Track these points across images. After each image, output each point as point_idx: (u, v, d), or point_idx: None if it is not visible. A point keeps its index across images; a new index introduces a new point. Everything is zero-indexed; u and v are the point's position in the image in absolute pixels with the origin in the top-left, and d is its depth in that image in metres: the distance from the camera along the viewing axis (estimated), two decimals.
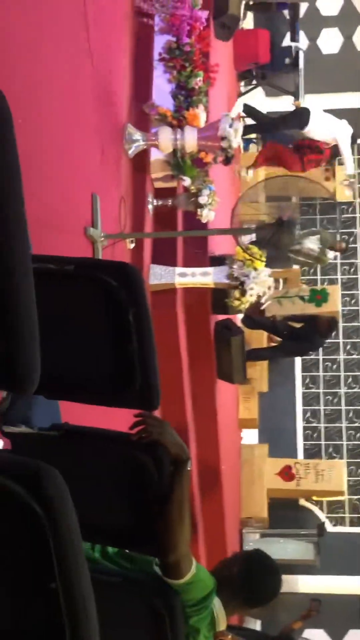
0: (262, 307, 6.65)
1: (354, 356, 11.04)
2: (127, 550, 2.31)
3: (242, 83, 11.27)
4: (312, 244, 8.46)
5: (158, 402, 1.97)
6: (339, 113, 11.71)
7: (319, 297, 10.20)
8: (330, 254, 9.27)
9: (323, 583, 9.91)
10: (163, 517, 1.99)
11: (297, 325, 9.42)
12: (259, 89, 11.63)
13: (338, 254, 10.35)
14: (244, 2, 8.38)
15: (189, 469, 2.04)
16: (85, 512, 2.09)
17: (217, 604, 2.33)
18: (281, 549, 9.25)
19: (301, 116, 9.32)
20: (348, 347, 11.08)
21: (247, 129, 9.99)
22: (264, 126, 10.28)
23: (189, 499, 2.03)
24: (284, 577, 8.38)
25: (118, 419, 2.26)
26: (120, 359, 1.87)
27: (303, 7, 11.85)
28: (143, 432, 1.99)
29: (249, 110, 10.05)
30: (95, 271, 1.82)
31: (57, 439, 2.01)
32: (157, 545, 2.03)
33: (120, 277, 1.80)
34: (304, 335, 9.32)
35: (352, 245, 11.58)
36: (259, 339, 10.05)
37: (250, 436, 10.41)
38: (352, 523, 10.38)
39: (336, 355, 11.07)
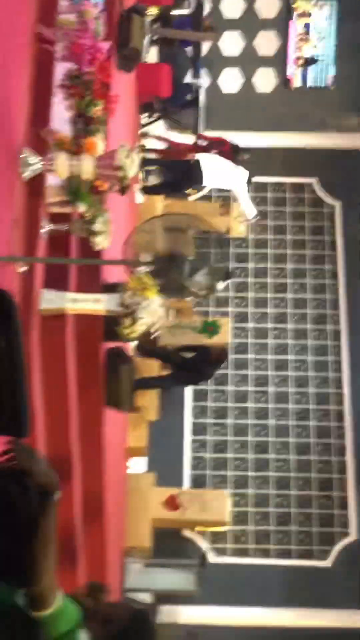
0: (153, 337, 6.69)
1: (242, 388, 11.24)
2: None
3: (144, 115, 11.41)
4: (201, 277, 8.63)
5: (27, 431, 1.95)
6: None
7: (210, 328, 10.40)
8: (220, 285, 9.48)
9: (203, 613, 9.96)
10: (27, 548, 1.97)
11: (189, 354, 9.53)
12: (160, 122, 11.82)
13: (228, 283, 10.63)
14: (147, 36, 8.51)
15: (56, 499, 2.02)
16: None
17: (83, 637, 2.31)
18: (163, 579, 9.28)
19: (196, 171, 9.66)
20: (237, 379, 11.27)
21: (152, 189, 10.32)
22: (168, 187, 10.56)
23: (55, 530, 2.02)
24: (166, 607, 8.37)
25: None
26: None
27: (206, 46, 12.17)
28: (11, 460, 1.97)
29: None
30: None
31: None
32: (21, 577, 2.00)
33: None
34: (194, 364, 9.43)
35: (244, 280, 11.86)
36: (151, 367, 10.09)
37: (139, 465, 10.41)
38: (234, 553, 10.50)
39: (225, 386, 11.25)
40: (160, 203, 10.81)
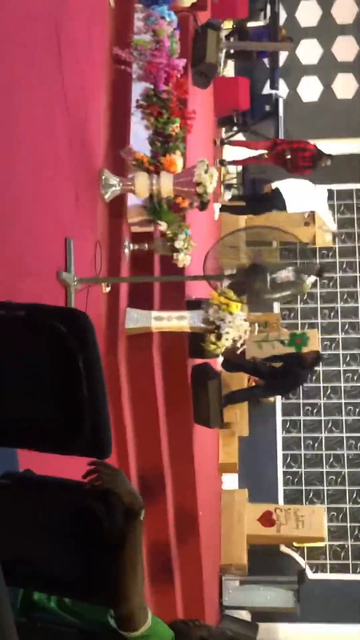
0: (239, 351, 6.63)
1: (334, 400, 11.03)
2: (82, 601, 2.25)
3: (223, 129, 11.43)
4: (286, 272, 8.58)
5: (110, 450, 1.94)
6: None
7: (298, 341, 10.25)
8: (309, 280, 9.42)
9: (304, 631, 9.77)
10: (115, 567, 1.95)
11: (278, 364, 9.39)
12: (240, 136, 11.79)
13: (317, 279, 10.50)
14: (224, 51, 8.54)
15: (142, 518, 2.00)
16: (39, 562, 2.06)
17: None
18: (261, 596, 9.15)
19: (277, 200, 9.64)
20: (328, 391, 11.07)
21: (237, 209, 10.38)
22: (249, 209, 10.54)
23: (141, 549, 2.00)
24: (264, 625, 8.27)
25: (76, 466, 2.23)
26: (70, 406, 1.85)
27: (283, 56, 12.09)
28: (95, 481, 1.96)
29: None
30: (45, 317, 1.81)
31: (8, 487, 1.98)
32: (110, 596, 1.99)
33: (70, 323, 1.79)
34: (286, 372, 9.26)
35: (332, 290, 11.66)
36: (239, 382, 10.02)
37: (230, 481, 10.33)
38: (333, 569, 10.27)
39: (317, 400, 11.06)
40: (241, 216, 10.75)
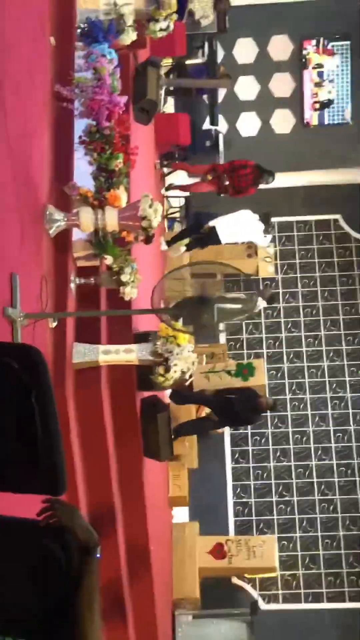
0: (187, 383, 6.66)
1: (282, 429, 11.12)
2: None
3: (165, 164, 11.55)
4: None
5: (64, 487, 1.93)
6: (259, 192, 12.16)
7: (245, 371, 10.33)
8: (260, 303, 9.61)
9: None
10: (72, 606, 1.93)
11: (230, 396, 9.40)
12: (182, 171, 11.93)
13: (264, 305, 10.65)
14: (164, 88, 8.67)
15: (98, 555, 1.99)
16: None
17: None
18: (215, 630, 9.08)
19: (213, 237, 9.98)
20: (275, 420, 11.15)
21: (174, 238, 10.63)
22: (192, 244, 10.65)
23: (98, 586, 1.98)
24: None
25: (25, 504, 2.21)
26: (24, 443, 1.84)
27: (222, 92, 12.33)
28: (51, 518, 1.95)
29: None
30: None
31: None
32: (67, 635, 1.97)
33: (22, 359, 1.78)
34: (236, 410, 9.28)
35: (276, 320, 11.82)
36: (187, 413, 10.03)
37: (181, 514, 10.28)
38: (285, 599, 10.26)
39: (264, 429, 11.13)
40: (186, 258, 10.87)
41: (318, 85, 12.78)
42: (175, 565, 9.18)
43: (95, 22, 6.51)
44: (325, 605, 10.32)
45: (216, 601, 9.61)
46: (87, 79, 6.04)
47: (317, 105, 12.82)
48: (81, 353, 5.70)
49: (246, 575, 10.10)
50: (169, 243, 10.56)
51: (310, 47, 12.73)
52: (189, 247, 10.59)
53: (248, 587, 10.25)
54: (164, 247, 10.48)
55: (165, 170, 11.60)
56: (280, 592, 10.30)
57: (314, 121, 12.88)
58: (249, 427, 11.07)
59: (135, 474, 6.68)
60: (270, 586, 10.29)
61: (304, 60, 12.73)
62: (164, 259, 10.41)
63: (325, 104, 12.80)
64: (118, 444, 6.38)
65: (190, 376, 6.08)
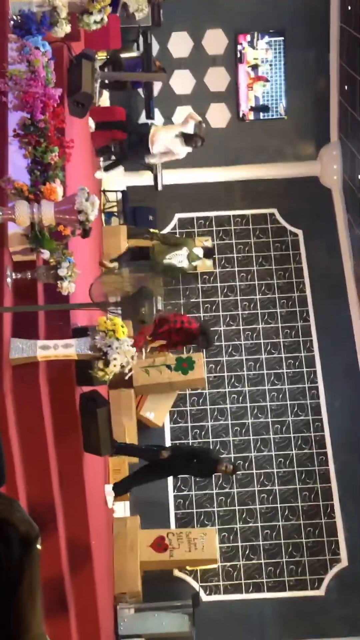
0: (127, 377, 6.64)
1: (221, 422, 11.21)
2: None
3: (102, 158, 11.50)
4: (178, 257, 9.03)
5: (4, 479, 1.91)
6: (197, 187, 12.23)
7: (184, 364, 10.40)
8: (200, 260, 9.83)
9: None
10: (13, 598, 1.91)
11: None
12: (119, 166, 11.90)
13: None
14: (99, 81, 8.60)
15: (39, 547, 1.98)
16: None
17: None
18: (156, 623, 9.12)
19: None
20: (215, 413, 11.23)
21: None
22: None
23: (39, 578, 1.97)
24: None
25: None
26: None
27: (157, 86, 12.33)
28: None
29: None
30: None
31: None
32: (9, 628, 1.95)
33: None
34: (194, 468, 9.32)
35: (215, 313, 11.90)
36: (128, 405, 10.04)
37: (122, 509, 10.28)
38: (227, 590, 10.36)
39: (204, 422, 11.20)
40: (124, 242, 10.86)
41: (253, 79, 12.89)
42: (116, 560, 9.19)
43: (29, 14, 6.44)
44: (266, 595, 10.46)
45: (158, 594, 9.66)
46: (21, 71, 5.97)
47: (253, 106, 12.93)
48: (19, 349, 5.64)
49: (187, 567, 10.17)
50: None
51: (244, 42, 12.83)
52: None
53: (189, 579, 10.32)
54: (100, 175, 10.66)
55: (102, 164, 11.56)
56: (221, 583, 10.40)
57: (250, 116, 12.99)
58: (188, 420, 11.15)
59: (76, 470, 6.65)
60: (212, 577, 10.38)
61: (239, 55, 12.83)
62: (101, 248, 10.38)
63: (261, 109, 12.93)
64: (58, 439, 6.34)
65: (130, 370, 6.05)
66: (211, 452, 9.68)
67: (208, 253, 10.43)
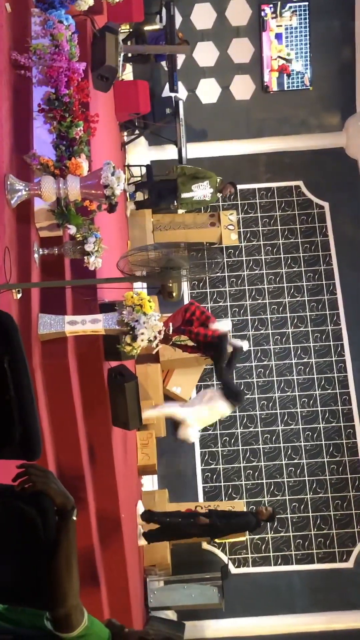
0: (154, 352, 6.66)
1: (248, 396, 11.21)
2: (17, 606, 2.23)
3: (125, 133, 11.46)
4: (202, 190, 9.01)
5: (39, 452, 1.93)
6: (221, 160, 12.14)
7: None
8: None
9: (229, 626, 9.89)
10: (50, 569, 1.94)
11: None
12: (142, 139, 11.85)
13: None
14: (122, 54, 8.54)
15: (74, 518, 2.00)
16: None
17: None
18: (186, 595, 9.20)
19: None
20: (242, 387, 11.23)
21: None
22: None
23: (75, 549, 1.99)
24: (190, 623, 8.30)
25: (3, 471, 2.20)
26: None
27: (180, 59, 12.21)
28: (26, 483, 1.95)
29: None
30: None
31: None
32: (45, 598, 1.98)
33: None
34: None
35: (240, 288, 11.85)
36: (155, 379, 10.06)
37: (150, 482, 10.35)
38: (255, 563, 10.43)
39: None
40: (149, 217, 10.85)
41: (277, 47, 12.72)
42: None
43: None
44: (294, 567, 10.52)
45: (187, 566, 9.74)
46: (45, 45, 5.93)
47: (279, 64, 12.73)
48: (47, 324, 5.66)
49: (216, 540, 10.23)
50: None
51: (268, 10, 12.66)
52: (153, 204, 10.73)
53: (218, 552, 10.39)
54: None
55: (126, 138, 11.52)
56: (249, 555, 10.47)
57: (274, 85, 12.83)
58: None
59: (105, 443, 6.70)
60: (240, 550, 10.45)
61: (262, 23, 12.66)
62: (127, 226, 10.37)
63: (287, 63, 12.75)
64: (86, 414, 6.38)
65: (157, 345, 6.06)
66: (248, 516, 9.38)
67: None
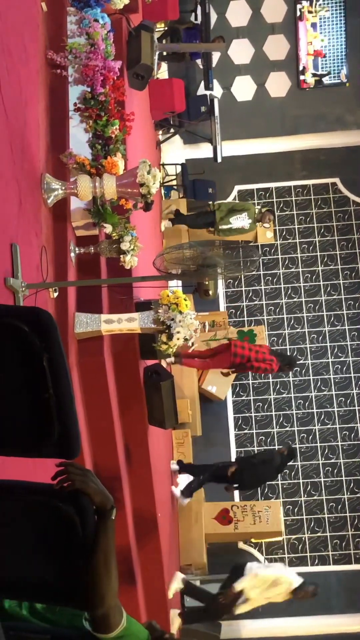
0: (191, 350, 6.63)
1: (284, 395, 11.14)
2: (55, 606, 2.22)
3: (160, 131, 11.45)
4: (241, 221, 8.96)
5: (79, 450, 1.92)
6: (256, 158, 12.07)
7: (246, 338, 10.34)
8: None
9: (265, 626, 9.83)
10: (89, 568, 1.93)
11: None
12: (177, 138, 11.83)
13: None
14: (157, 53, 8.53)
15: (113, 517, 1.98)
16: (10, 567, 2.02)
17: None
18: None
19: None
20: (278, 386, 11.17)
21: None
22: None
23: (114, 548, 1.98)
24: (227, 623, 8.26)
25: (43, 469, 2.20)
26: (37, 407, 1.82)
27: (216, 57, 12.17)
28: (65, 482, 1.93)
29: None
30: (6, 317, 1.77)
31: None
32: (84, 598, 1.97)
33: (32, 322, 1.76)
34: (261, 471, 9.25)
35: (276, 286, 11.78)
36: (191, 379, 10.05)
37: (186, 482, 10.32)
38: (292, 562, 10.36)
39: (267, 395, 11.15)
40: (185, 235, 10.85)
41: (312, 35, 12.62)
42: (182, 532, 9.26)
43: None
44: (331, 568, 10.42)
45: (223, 566, 9.69)
46: (81, 44, 5.94)
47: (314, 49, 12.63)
48: (83, 323, 5.67)
49: (252, 539, 10.19)
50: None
51: (305, 3, 12.57)
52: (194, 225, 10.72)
53: (254, 552, 10.34)
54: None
55: (160, 137, 11.51)
56: (286, 555, 10.40)
57: (310, 82, 12.72)
58: (251, 394, 11.11)
59: (141, 442, 6.70)
60: (277, 550, 10.39)
61: (299, 13, 12.57)
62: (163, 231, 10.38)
63: (323, 75, 12.67)
64: (123, 412, 6.39)
65: (193, 344, 6.04)
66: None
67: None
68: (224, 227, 10.57)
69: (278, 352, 9.31)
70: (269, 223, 11.04)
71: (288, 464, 9.47)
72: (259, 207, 11.13)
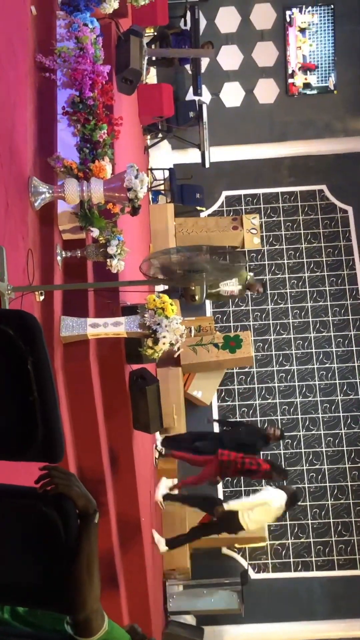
0: (175, 355, 6.64)
1: (269, 401, 11.16)
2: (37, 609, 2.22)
3: (148, 136, 11.46)
4: (230, 286, 8.91)
5: (62, 453, 1.92)
6: (244, 164, 12.11)
7: (232, 343, 10.36)
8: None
9: (248, 631, 9.83)
10: (71, 572, 1.93)
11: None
12: (165, 142, 11.85)
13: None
14: (146, 58, 8.55)
15: (96, 521, 1.98)
16: None
17: None
18: (205, 599, 9.17)
19: None
20: (263, 392, 11.19)
21: None
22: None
23: (97, 552, 1.98)
24: (209, 628, 8.24)
25: (27, 472, 2.19)
26: (21, 411, 1.82)
27: (205, 62, 12.21)
28: (48, 485, 1.93)
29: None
30: None
31: None
32: (66, 602, 1.96)
33: (17, 325, 1.76)
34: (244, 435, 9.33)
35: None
36: (176, 380, 10.04)
37: (166, 484, 10.30)
38: (275, 569, 10.37)
39: (252, 401, 11.17)
40: (171, 221, 10.83)
41: (301, 41, 12.67)
42: (165, 537, 9.23)
43: None
44: (315, 574, 10.43)
45: (207, 571, 9.70)
46: (70, 48, 5.96)
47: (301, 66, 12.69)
48: (69, 326, 5.67)
49: (236, 545, 10.19)
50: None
51: (295, 10, 12.63)
52: None
53: (238, 557, 10.34)
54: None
55: (149, 142, 11.52)
56: (270, 561, 10.41)
57: (299, 88, 12.77)
58: (236, 399, 11.12)
59: (125, 446, 6.70)
60: (260, 555, 10.39)
61: (288, 19, 12.62)
62: (149, 229, 10.37)
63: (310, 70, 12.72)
64: (108, 416, 6.38)
65: (179, 348, 6.04)
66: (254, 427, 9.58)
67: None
68: (212, 291, 10.43)
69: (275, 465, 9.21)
70: (256, 293, 10.96)
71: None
72: (251, 274, 11.06)
